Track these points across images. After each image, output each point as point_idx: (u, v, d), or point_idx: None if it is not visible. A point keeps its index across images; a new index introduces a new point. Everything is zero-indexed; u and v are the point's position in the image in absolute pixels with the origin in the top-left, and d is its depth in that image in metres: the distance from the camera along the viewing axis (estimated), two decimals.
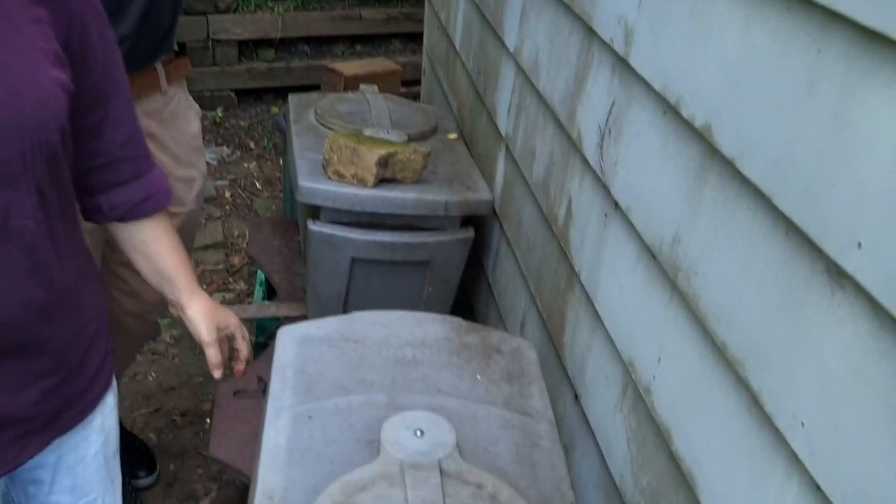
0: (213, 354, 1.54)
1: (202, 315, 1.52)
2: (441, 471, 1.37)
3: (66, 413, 1.31)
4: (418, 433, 1.43)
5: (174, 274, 1.49)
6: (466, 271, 2.50)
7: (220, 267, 3.61)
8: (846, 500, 0.91)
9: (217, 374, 1.56)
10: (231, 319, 1.59)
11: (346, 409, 1.52)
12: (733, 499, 1.15)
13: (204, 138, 4.81)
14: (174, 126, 2.05)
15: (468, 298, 2.81)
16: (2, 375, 1.18)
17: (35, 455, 1.28)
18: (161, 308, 1.99)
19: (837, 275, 0.92)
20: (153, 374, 2.98)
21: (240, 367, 1.64)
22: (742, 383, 1.13)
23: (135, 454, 2.51)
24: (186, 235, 2.18)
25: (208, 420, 2.75)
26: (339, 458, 1.42)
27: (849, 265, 0.88)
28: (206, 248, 3.70)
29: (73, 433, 1.34)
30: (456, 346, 1.71)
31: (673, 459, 1.33)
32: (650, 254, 1.42)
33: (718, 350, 1.18)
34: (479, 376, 1.65)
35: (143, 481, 2.50)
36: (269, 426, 1.48)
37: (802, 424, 0.99)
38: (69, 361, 1.28)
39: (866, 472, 0.89)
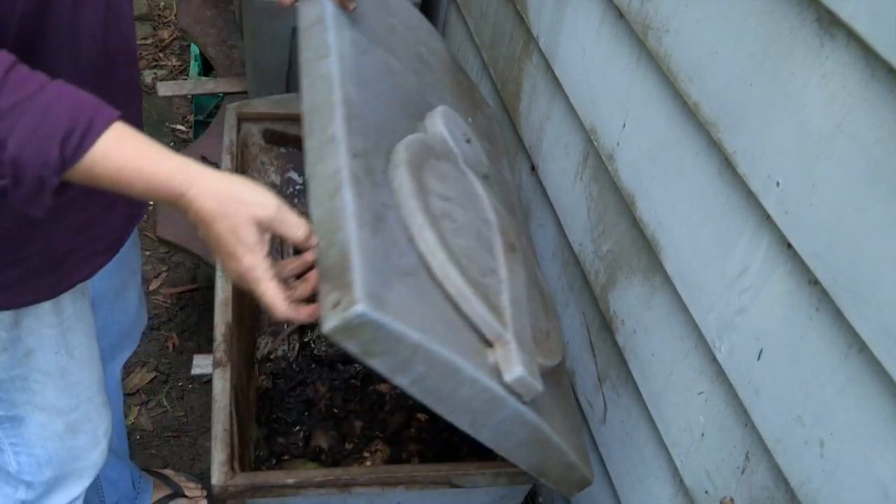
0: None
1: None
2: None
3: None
4: (465, 139, 1.29)
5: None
6: None
7: (149, 42, 3.42)
8: (819, 258, 0.91)
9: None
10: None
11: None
12: (698, 261, 1.16)
13: None
14: None
15: None
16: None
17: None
18: None
19: (829, 23, 0.87)
20: None
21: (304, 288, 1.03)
22: (714, 145, 1.10)
23: None
24: None
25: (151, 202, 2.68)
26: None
27: (844, 11, 0.83)
28: None
29: None
30: None
31: (636, 225, 1.33)
32: (617, 12, 1.35)
33: (690, 111, 1.15)
34: None
35: None
36: None
37: (777, 184, 0.97)
38: None
39: (842, 228, 0.88)
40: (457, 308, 1.02)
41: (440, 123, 1.24)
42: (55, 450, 1.34)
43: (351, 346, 0.90)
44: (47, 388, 1.26)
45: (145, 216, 1.31)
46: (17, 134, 0.85)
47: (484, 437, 1.07)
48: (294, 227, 0.93)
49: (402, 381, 0.95)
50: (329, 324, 0.87)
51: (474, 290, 1.03)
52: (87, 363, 1.29)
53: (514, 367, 1.01)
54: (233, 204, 0.91)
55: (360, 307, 0.86)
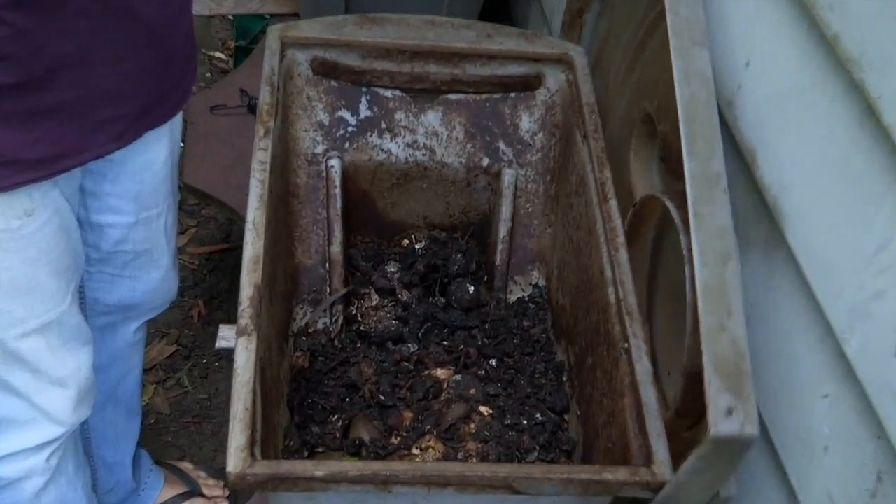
0: None
1: None
2: None
3: (160, 103, 1.41)
4: None
5: None
6: None
7: None
8: None
9: None
10: None
11: None
12: (828, 233, 1.14)
13: None
14: None
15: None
16: (109, 45, 1.26)
17: (130, 142, 1.39)
18: None
19: None
20: None
21: None
22: (856, 88, 1.08)
23: None
24: None
25: (182, 143, 2.75)
26: None
27: None
28: None
29: (152, 132, 1.44)
30: None
31: (755, 189, 1.31)
32: None
33: (828, 46, 1.13)
34: None
35: None
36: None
37: None
38: (172, 42, 1.37)
39: None
40: None
41: None
42: None
43: (712, 453, 1.06)
44: None
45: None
46: None
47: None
48: None
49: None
50: (722, 429, 1.01)
51: None
52: (19, 294, 1.33)
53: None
54: None
55: (755, 430, 1.03)
